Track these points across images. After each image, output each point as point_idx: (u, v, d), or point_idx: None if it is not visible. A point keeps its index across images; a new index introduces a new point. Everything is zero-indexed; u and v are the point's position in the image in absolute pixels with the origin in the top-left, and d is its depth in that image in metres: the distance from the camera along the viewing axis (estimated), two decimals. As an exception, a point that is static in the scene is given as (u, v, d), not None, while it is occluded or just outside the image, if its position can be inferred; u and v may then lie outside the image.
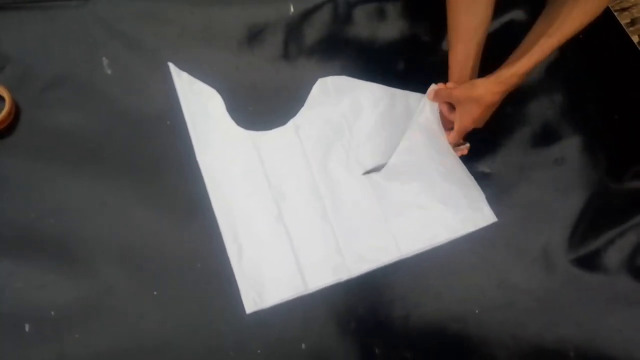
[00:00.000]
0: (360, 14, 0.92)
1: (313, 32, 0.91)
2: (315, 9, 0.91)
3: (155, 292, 0.75)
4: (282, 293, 0.75)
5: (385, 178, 0.80)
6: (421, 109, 0.80)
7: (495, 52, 0.89)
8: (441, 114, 0.79)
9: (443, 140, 0.79)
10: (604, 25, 0.93)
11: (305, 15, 0.91)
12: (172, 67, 0.85)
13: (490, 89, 0.68)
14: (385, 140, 0.83)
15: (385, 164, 0.80)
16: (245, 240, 0.77)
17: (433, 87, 0.79)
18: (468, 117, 0.72)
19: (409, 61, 0.90)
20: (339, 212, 0.79)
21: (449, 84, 0.76)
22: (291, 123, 0.84)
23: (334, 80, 0.86)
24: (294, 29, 0.90)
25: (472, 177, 0.81)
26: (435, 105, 0.79)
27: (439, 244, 0.78)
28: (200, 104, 0.83)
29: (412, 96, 0.85)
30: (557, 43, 0.66)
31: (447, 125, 0.79)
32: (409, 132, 0.79)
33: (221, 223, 0.77)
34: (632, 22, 1.04)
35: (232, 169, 0.81)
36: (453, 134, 0.76)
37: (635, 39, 0.95)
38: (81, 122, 0.83)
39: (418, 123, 0.79)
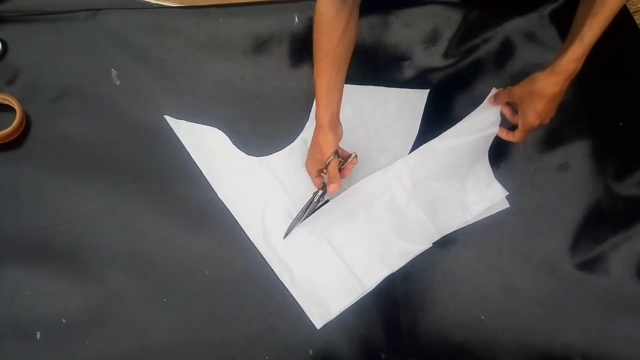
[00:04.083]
0: (364, 23, 0.93)
1: (317, 42, 0.92)
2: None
3: (164, 299, 0.76)
4: (344, 300, 0.76)
5: (408, 169, 0.82)
6: (478, 116, 0.81)
7: (496, 61, 0.92)
8: (504, 117, 0.78)
9: (486, 145, 0.81)
10: (610, 31, 0.94)
11: (310, 26, 0.91)
12: (170, 119, 0.85)
13: (550, 80, 0.68)
14: (391, 137, 0.85)
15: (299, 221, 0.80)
16: (291, 261, 0.78)
17: (493, 91, 0.80)
18: (532, 113, 0.71)
19: (412, 70, 0.91)
20: (370, 211, 0.81)
21: (508, 87, 0.76)
22: (299, 139, 0.86)
23: None
24: (299, 39, 0.91)
25: (489, 170, 0.84)
26: (494, 109, 0.79)
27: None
28: (206, 146, 0.85)
29: (405, 91, 0.88)
30: (604, 20, 0.64)
31: (511, 128, 0.79)
32: (454, 136, 0.80)
33: (264, 252, 0.78)
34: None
35: (256, 198, 0.82)
36: (518, 133, 0.75)
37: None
38: (90, 132, 0.85)
39: (470, 130, 0.80)
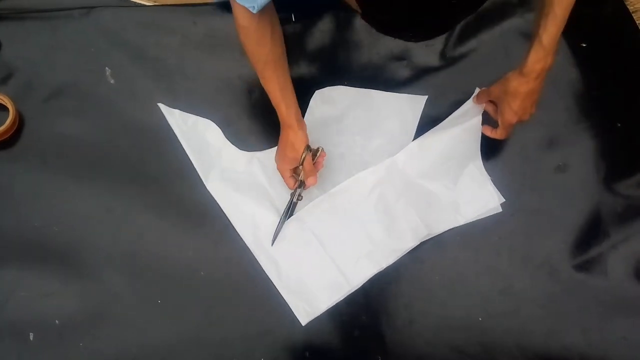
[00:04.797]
0: (361, 22, 0.92)
1: (314, 41, 0.91)
2: (317, 18, 0.92)
3: (159, 300, 0.75)
4: (330, 297, 0.76)
5: (398, 168, 0.83)
6: (463, 112, 0.83)
7: (493, 61, 0.92)
8: (489, 114, 0.81)
9: (475, 140, 0.83)
10: (610, 31, 0.94)
11: (307, 24, 0.92)
12: (163, 107, 0.85)
13: (520, 80, 0.71)
14: (388, 141, 0.85)
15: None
16: (279, 256, 0.78)
17: (477, 91, 0.83)
18: (509, 111, 0.74)
19: (409, 69, 0.91)
20: (359, 209, 0.81)
21: (489, 87, 0.79)
22: None
23: (330, 90, 0.88)
24: (296, 37, 0.91)
25: (484, 171, 0.83)
26: (478, 107, 0.82)
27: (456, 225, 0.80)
28: (198, 137, 0.84)
29: (403, 96, 0.88)
30: (557, 19, 0.66)
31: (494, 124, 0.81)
32: (440, 130, 0.83)
33: (251, 245, 0.78)
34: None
35: (245, 192, 0.81)
36: (500, 131, 0.78)
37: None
38: (85, 130, 0.84)
39: (455, 123, 0.82)
